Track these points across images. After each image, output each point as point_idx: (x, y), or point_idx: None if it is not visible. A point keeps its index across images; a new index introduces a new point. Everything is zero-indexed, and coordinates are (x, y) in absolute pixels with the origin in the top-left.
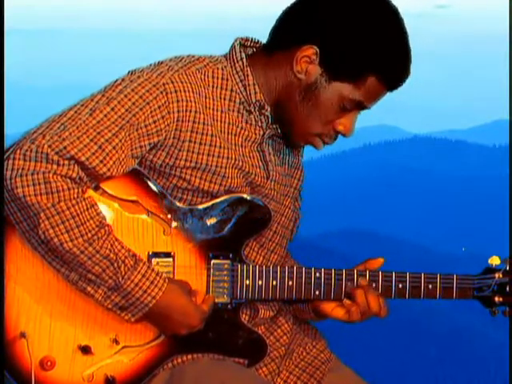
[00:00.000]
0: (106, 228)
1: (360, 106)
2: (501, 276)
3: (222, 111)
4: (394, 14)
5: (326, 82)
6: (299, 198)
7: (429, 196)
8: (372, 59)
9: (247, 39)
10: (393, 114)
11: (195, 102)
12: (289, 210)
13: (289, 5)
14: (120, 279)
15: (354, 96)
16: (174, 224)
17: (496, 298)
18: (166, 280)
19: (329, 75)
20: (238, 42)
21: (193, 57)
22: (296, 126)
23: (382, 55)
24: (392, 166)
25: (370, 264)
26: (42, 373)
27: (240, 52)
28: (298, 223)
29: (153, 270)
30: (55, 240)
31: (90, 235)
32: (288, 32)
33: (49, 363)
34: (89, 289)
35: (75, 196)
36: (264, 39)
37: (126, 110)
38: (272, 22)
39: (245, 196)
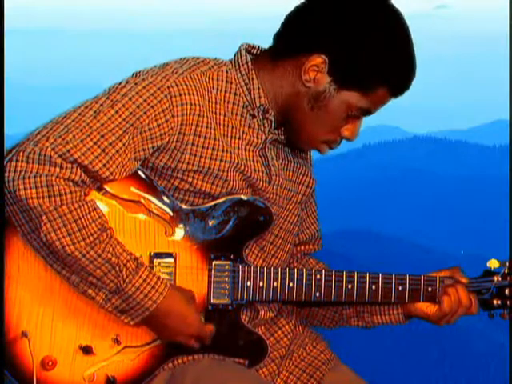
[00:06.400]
0: (108, 231)
1: (366, 112)
2: (499, 279)
3: (225, 115)
4: (401, 23)
5: (334, 90)
6: (313, 203)
7: (429, 196)
8: (385, 72)
9: (253, 47)
10: (393, 114)
11: (199, 105)
12: (292, 215)
13: (293, 10)
14: (121, 283)
15: (362, 104)
16: (176, 225)
17: (495, 301)
18: (168, 285)
19: (337, 84)
20: (244, 47)
21: (197, 59)
22: (303, 134)
23: (394, 68)
24: (392, 166)
25: (455, 272)
26: (43, 373)
27: (245, 56)
28: (315, 229)
29: (154, 274)
30: (57, 243)
31: (91, 239)
32: (295, 40)
33: (50, 363)
34: (90, 291)
35: (77, 199)
36: (265, 40)
37: (131, 114)
38: (273, 23)
39: (246, 197)
